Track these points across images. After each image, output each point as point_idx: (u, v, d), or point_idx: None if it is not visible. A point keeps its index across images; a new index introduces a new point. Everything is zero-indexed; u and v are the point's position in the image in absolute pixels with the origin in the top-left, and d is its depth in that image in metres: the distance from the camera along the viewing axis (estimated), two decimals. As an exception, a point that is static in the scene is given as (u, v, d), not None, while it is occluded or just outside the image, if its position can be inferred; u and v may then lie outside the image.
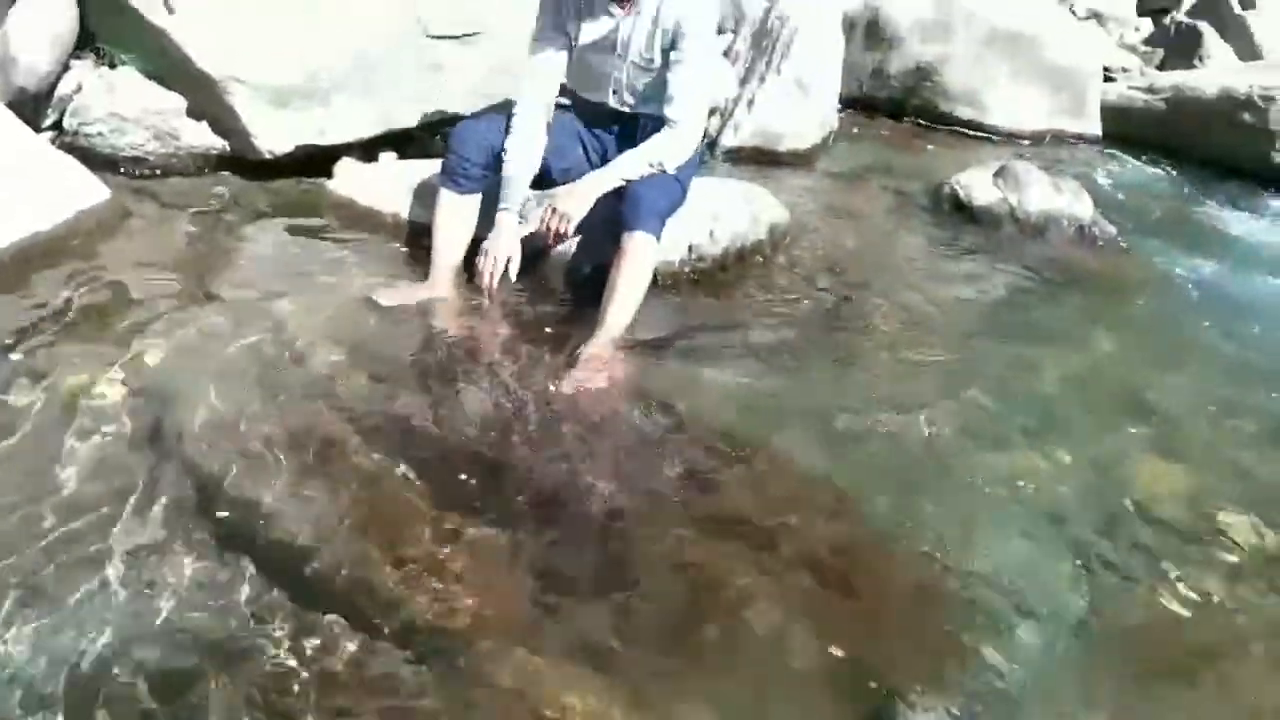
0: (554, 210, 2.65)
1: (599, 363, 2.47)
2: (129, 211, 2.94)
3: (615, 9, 2.70)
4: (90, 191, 2.81)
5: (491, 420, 2.23)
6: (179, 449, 1.98)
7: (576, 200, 2.66)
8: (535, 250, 2.82)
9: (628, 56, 2.76)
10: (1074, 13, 7.83)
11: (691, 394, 2.44)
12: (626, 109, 2.88)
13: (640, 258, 2.62)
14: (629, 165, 2.70)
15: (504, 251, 2.69)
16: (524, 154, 2.72)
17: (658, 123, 2.77)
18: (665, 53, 2.72)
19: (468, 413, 2.25)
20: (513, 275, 2.71)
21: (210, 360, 2.28)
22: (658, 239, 2.69)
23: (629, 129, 2.89)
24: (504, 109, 2.82)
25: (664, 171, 2.72)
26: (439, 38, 3.35)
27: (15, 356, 2.22)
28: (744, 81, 4.69)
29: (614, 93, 2.86)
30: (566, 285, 2.90)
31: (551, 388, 2.35)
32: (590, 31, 2.75)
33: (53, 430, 1.99)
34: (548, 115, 2.80)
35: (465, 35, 3.38)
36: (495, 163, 2.77)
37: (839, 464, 2.25)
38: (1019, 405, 2.62)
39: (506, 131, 2.75)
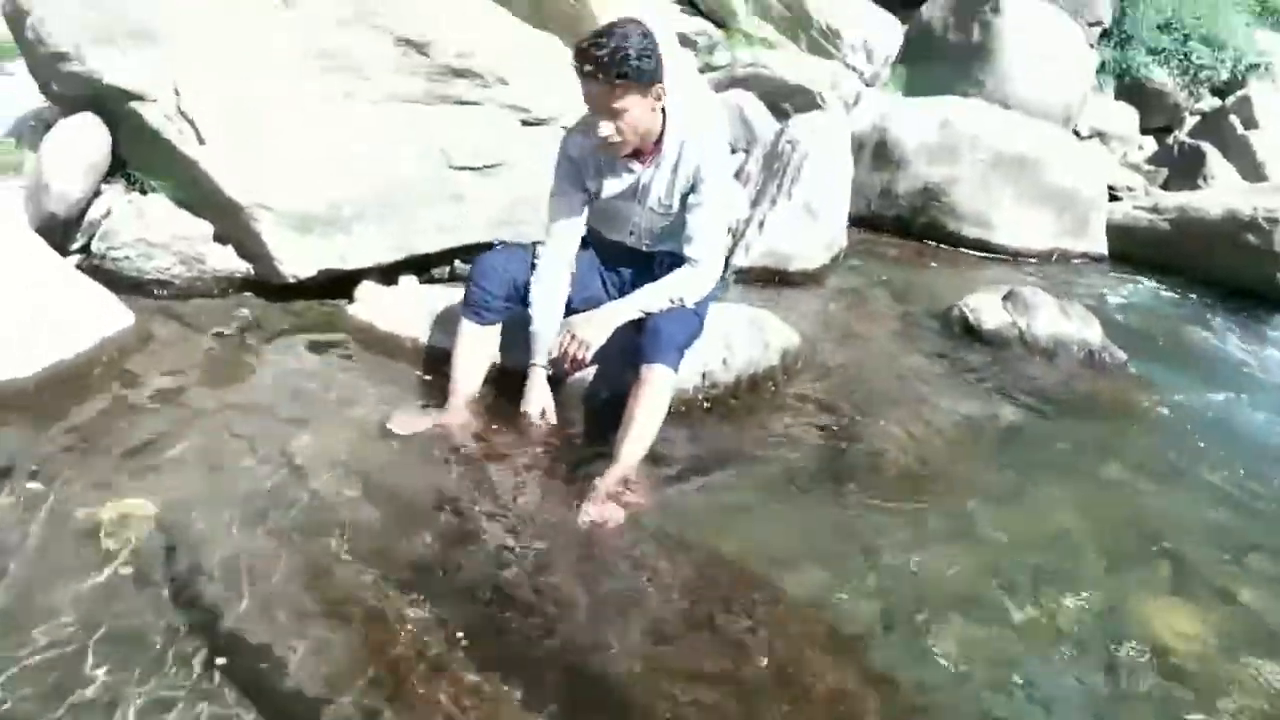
0: (573, 337, 2.68)
1: (613, 496, 2.47)
2: (152, 335, 3.00)
3: (634, 164, 2.76)
4: (115, 317, 2.87)
5: (504, 558, 2.22)
6: (190, 588, 1.99)
7: (595, 328, 2.69)
8: (553, 378, 2.87)
9: (646, 203, 2.83)
10: (1077, 132, 8.03)
11: (704, 531, 2.44)
12: (644, 248, 2.95)
13: (658, 391, 2.65)
14: (649, 298, 2.75)
15: (537, 405, 2.78)
16: (550, 308, 2.79)
17: (675, 259, 2.84)
18: (684, 196, 2.79)
19: (480, 550, 2.25)
20: (550, 424, 2.79)
21: (225, 493, 2.29)
22: (676, 372, 2.73)
23: (646, 264, 2.95)
24: (525, 243, 2.91)
25: (683, 305, 2.77)
26: (461, 169, 3.44)
27: (31, 485, 2.24)
28: (755, 203, 4.79)
29: (631, 234, 2.93)
30: (582, 413, 2.93)
31: (565, 522, 2.35)
32: (610, 186, 2.82)
33: (64, 564, 2.00)
34: (571, 267, 2.87)
35: (486, 167, 3.48)
36: (516, 295, 2.84)
37: (848, 604, 2.24)
38: (1028, 541, 2.61)
39: (528, 265, 2.82)
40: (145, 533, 2.12)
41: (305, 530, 2.20)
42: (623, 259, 2.99)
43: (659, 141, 2.72)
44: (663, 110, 2.66)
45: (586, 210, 2.87)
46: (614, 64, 2.44)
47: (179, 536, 2.12)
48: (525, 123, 3.54)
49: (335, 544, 2.16)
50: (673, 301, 2.74)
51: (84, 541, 2.08)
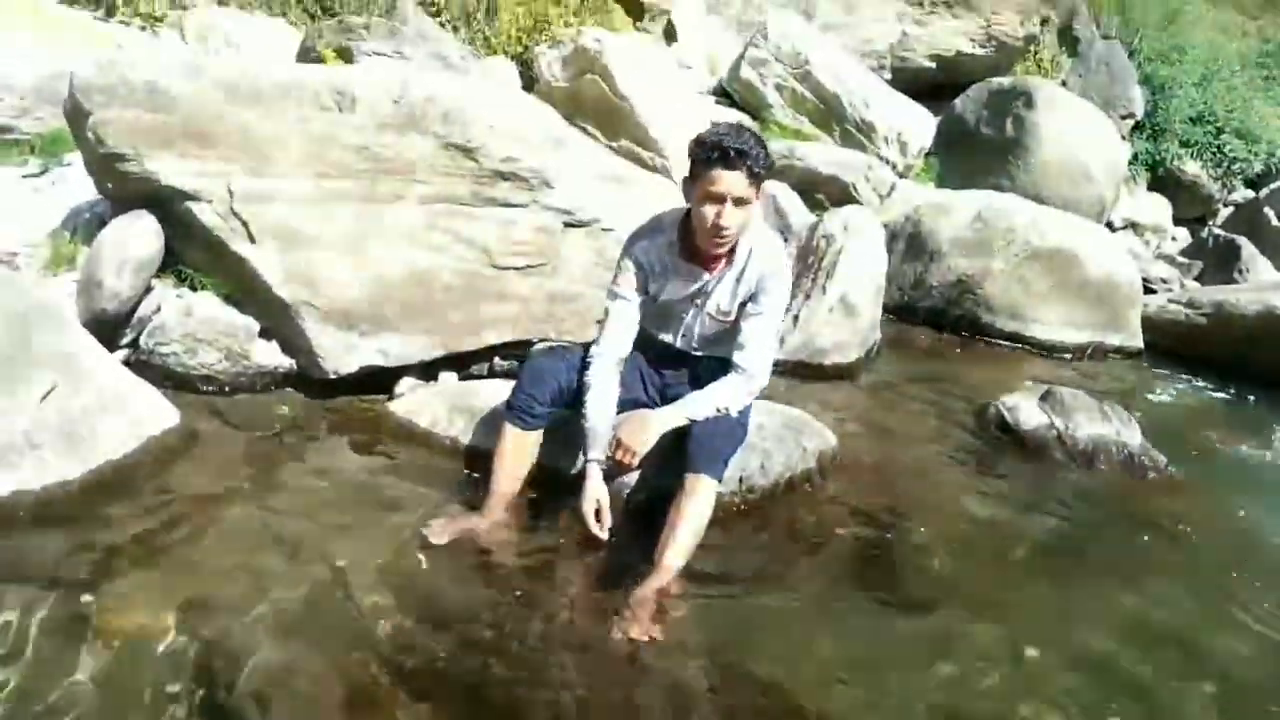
0: (619, 443, 2.67)
1: (652, 608, 2.45)
2: (196, 435, 3.04)
3: (700, 269, 2.79)
4: (161, 417, 2.92)
5: (542, 673, 2.20)
6: (228, 703, 1.98)
7: (643, 435, 2.67)
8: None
9: (705, 308, 2.86)
10: (1111, 224, 8.04)
11: (742, 645, 2.41)
12: (693, 352, 2.97)
13: (702, 502, 2.65)
14: (697, 406, 2.74)
15: (592, 503, 2.68)
16: (604, 407, 2.78)
17: (721, 364, 2.85)
18: (742, 304, 2.82)
19: (517, 663, 2.23)
20: (606, 521, 2.68)
21: (262, 604, 2.29)
22: (720, 483, 2.73)
23: (691, 368, 2.97)
24: (569, 345, 2.96)
25: (728, 414, 2.77)
26: (504, 268, 3.50)
27: (72, 593, 2.25)
28: (790, 297, 4.81)
29: (683, 336, 2.95)
30: (622, 517, 2.91)
31: (602, 638, 2.33)
32: (673, 289, 2.85)
33: (101, 676, 2.01)
34: (622, 366, 2.87)
35: (529, 266, 3.53)
36: (560, 399, 2.85)
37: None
38: (1069, 658, 2.55)
39: (573, 370, 2.84)
40: (180, 645, 2.12)
41: (342, 644, 2.20)
42: (666, 359, 3.00)
43: (733, 249, 2.75)
44: None
45: (640, 311, 2.88)
46: (756, 157, 2.54)
47: (216, 649, 2.12)
48: (568, 224, 3.60)
49: (373, 662, 2.15)
50: (719, 410, 2.74)
51: (119, 652, 2.08)
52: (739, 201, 2.58)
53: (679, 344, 2.97)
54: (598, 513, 2.67)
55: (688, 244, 2.78)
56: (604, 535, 2.65)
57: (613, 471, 2.79)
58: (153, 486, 2.74)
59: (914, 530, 3.19)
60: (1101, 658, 2.60)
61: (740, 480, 3.07)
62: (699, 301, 2.86)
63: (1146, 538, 3.44)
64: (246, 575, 2.39)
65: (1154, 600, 3.00)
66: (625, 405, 3.04)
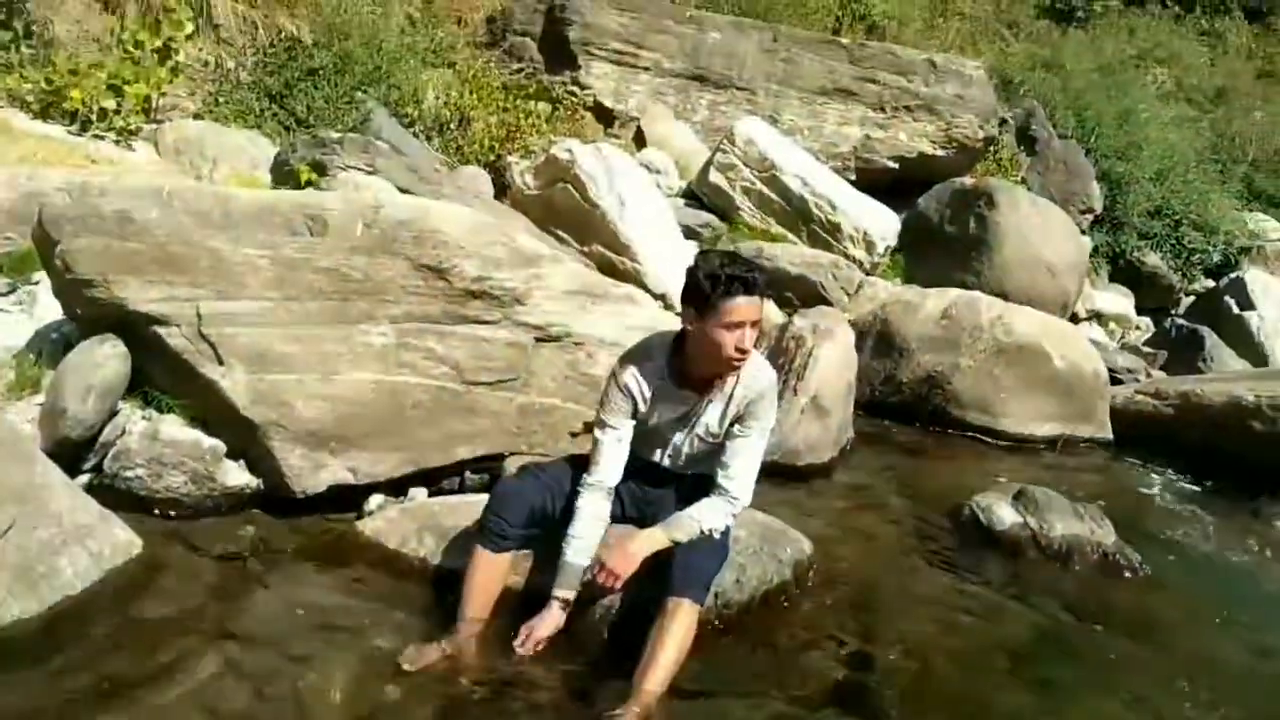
0: (603, 566, 2.67)
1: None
2: (158, 563, 2.97)
3: (691, 394, 2.83)
4: (122, 547, 2.87)
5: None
6: None
7: (627, 560, 2.67)
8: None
9: (694, 430, 2.88)
10: (1076, 316, 8.17)
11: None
12: (676, 470, 2.99)
13: (683, 626, 2.62)
14: (681, 529, 2.74)
15: (547, 632, 2.73)
16: (587, 542, 2.80)
17: (705, 481, 2.86)
18: (729, 425, 2.84)
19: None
20: (536, 648, 2.73)
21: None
22: (702, 606, 2.71)
23: (672, 485, 2.98)
24: (541, 464, 2.97)
25: (711, 536, 2.76)
26: (475, 384, 3.50)
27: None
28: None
29: (670, 456, 2.97)
30: (598, 637, 2.88)
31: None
32: (663, 414, 2.87)
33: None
34: (610, 497, 2.87)
35: (499, 381, 3.54)
36: (531, 520, 2.85)
37: None
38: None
39: (544, 490, 2.86)
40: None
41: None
42: (649, 477, 3.00)
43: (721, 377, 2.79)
44: None
45: (630, 438, 2.89)
46: (762, 284, 2.66)
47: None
48: (539, 340, 3.62)
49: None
50: (703, 533, 2.74)
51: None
52: (755, 326, 2.67)
53: (665, 463, 2.99)
54: (539, 641, 2.70)
55: (679, 369, 2.81)
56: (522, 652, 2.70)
57: (595, 592, 2.77)
58: (113, 622, 2.67)
59: (891, 641, 3.16)
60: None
61: (715, 596, 3.01)
62: (688, 427, 2.88)
63: (1125, 641, 3.42)
64: (209, 714, 2.32)
65: (1132, 704, 2.98)
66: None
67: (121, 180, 3.92)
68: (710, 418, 2.85)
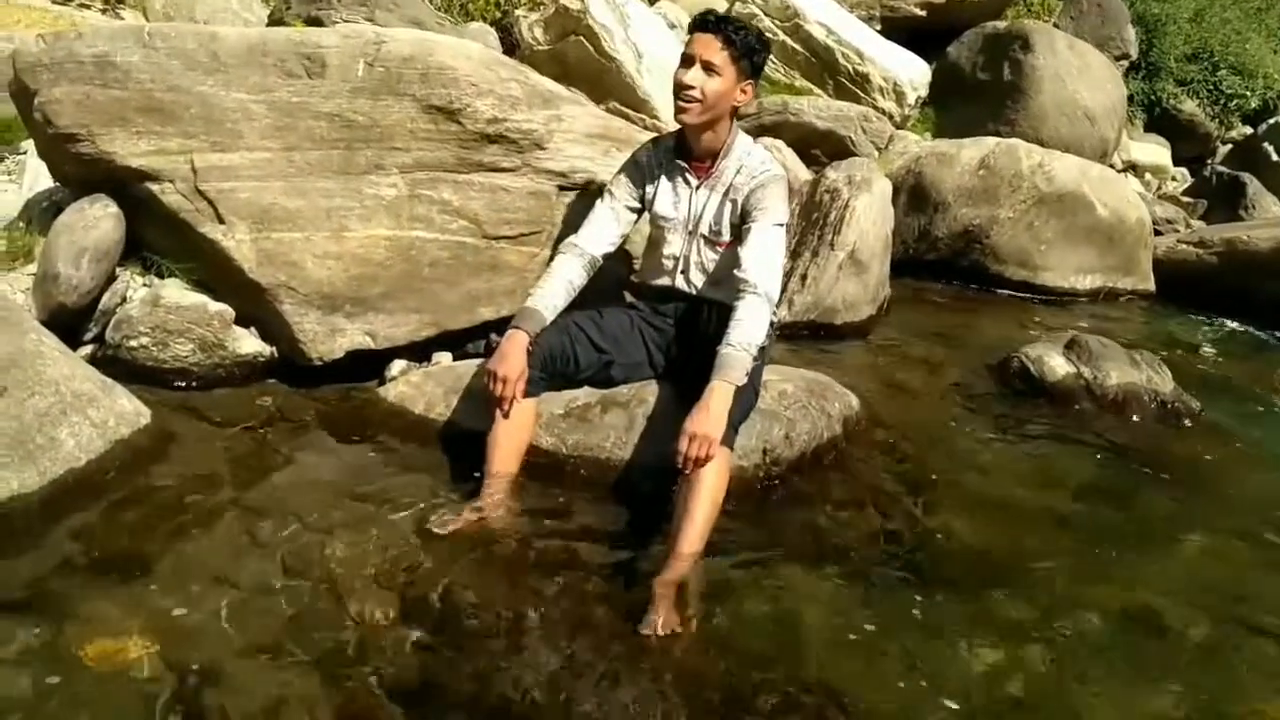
0: (692, 438, 2.35)
1: (674, 598, 2.23)
2: (169, 434, 2.78)
3: (691, 178, 2.79)
4: (130, 418, 2.67)
5: (558, 678, 1.98)
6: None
7: (714, 423, 2.37)
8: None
9: (698, 230, 2.82)
10: (1113, 166, 7.81)
11: (774, 632, 2.23)
12: (693, 291, 2.86)
13: (714, 472, 2.40)
14: (736, 366, 2.46)
15: (513, 373, 2.57)
16: (554, 293, 2.74)
17: (723, 310, 2.66)
18: (735, 228, 2.74)
19: (532, 666, 2.01)
20: (515, 397, 2.59)
21: (250, 621, 2.07)
22: (732, 450, 2.52)
23: (693, 318, 2.85)
24: (566, 313, 2.79)
25: (756, 354, 2.55)
26: (495, 238, 3.25)
27: (34, 616, 2.01)
28: (795, 254, 4.59)
29: (682, 272, 2.88)
30: (630, 497, 2.71)
31: (623, 633, 2.13)
32: (664, 198, 2.85)
33: (68, 708, 1.79)
34: (589, 269, 2.83)
35: (522, 235, 3.28)
36: (554, 364, 2.74)
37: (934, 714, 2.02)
38: (1113, 629, 2.38)
39: (563, 333, 2.77)
40: (157, 670, 1.89)
41: (337, 662, 1.97)
42: (668, 311, 2.92)
43: (715, 159, 2.75)
44: (731, 126, 2.75)
45: (625, 222, 2.90)
46: (733, 29, 2.61)
47: (197, 675, 1.89)
48: (562, 188, 3.34)
49: (372, 680, 1.93)
50: (749, 350, 2.49)
51: (89, 679, 1.86)
52: (708, 66, 2.60)
53: (678, 283, 2.88)
54: (507, 381, 2.55)
55: (680, 142, 2.83)
56: (503, 410, 2.60)
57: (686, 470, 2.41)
58: (122, 494, 2.48)
59: (945, 497, 3.00)
60: (1147, 623, 2.43)
61: (764, 453, 2.85)
62: (691, 228, 2.81)
63: (1187, 489, 3.26)
64: (228, 589, 2.16)
65: (1202, 554, 2.85)
66: (628, 370, 2.93)
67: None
68: (709, 213, 2.80)
